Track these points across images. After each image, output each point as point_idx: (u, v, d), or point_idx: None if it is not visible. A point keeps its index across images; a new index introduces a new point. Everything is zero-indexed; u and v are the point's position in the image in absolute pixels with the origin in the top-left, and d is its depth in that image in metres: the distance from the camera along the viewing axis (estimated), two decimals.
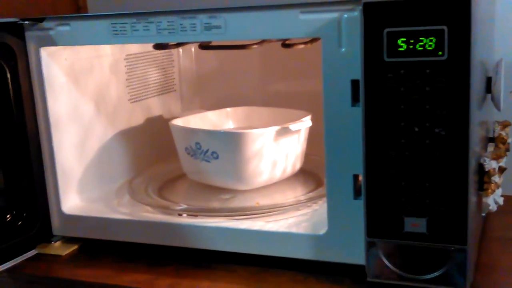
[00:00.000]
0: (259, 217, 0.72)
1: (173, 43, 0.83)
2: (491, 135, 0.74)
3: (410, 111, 0.56)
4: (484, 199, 0.65)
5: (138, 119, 0.94)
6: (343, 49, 0.60)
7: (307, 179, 0.85)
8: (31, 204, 0.77)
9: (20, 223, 0.76)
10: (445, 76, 0.54)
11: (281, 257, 0.68)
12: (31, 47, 0.75)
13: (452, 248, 0.58)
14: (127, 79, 0.91)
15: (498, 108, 0.66)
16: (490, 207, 0.65)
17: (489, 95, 0.66)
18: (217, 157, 0.78)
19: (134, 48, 0.92)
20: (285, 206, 0.74)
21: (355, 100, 0.60)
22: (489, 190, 0.62)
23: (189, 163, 0.83)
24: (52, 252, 0.77)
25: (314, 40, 0.76)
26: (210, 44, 0.83)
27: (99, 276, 0.71)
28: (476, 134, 0.57)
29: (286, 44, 0.79)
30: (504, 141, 0.70)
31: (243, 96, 1.02)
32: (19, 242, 0.75)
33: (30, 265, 0.75)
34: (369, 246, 0.61)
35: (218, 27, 0.65)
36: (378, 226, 0.60)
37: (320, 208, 0.73)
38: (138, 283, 0.68)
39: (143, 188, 0.85)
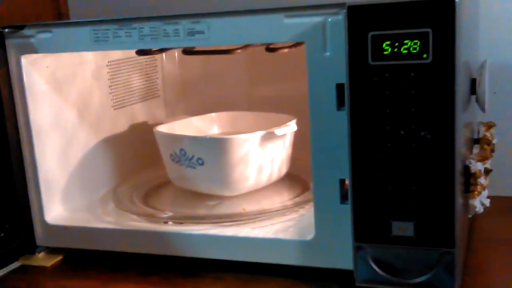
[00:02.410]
0: (246, 223, 0.72)
1: (156, 49, 0.82)
2: (476, 137, 0.74)
3: (395, 114, 0.56)
4: (470, 201, 0.65)
5: (122, 126, 0.93)
6: (327, 53, 0.60)
7: (293, 183, 0.85)
8: (14, 215, 0.75)
9: (2, 234, 0.75)
10: (430, 79, 0.54)
11: (269, 264, 0.67)
12: (11, 55, 0.74)
13: (440, 251, 0.57)
14: (110, 86, 0.90)
15: (483, 109, 0.66)
16: (477, 209, 0.65)
17: (473, 97, 0.66)
18: (202, 163, 0.78)
19: (116, 54, 0.91)
20: (272, 211, 0.74)
21: (340, 104, 0.60)
22: (476, 192, 0.62)
23: (174, 170, 0.82)
24: (36, 263, 0.76)
25: (298, 44, 0.75)
26: (194, 49, 0.83)
27: (85, 287, 0.70)
28: (461, 136, 0.57)
29: (270, 49, 0.78)
30: (489, 142, 0.70)
31: (228, 101, 1.01)
32: (2, 254, 0.74)
33: (14, 277, 0.73)
34: (357, 250, 0.61)
35: (201, 32, 0.64)
36: (365, 231, 0.60)
37: (307, 213, 0.73)
38: None
39: (128, 196, 0.84)
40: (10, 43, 0.73)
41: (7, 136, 0.74)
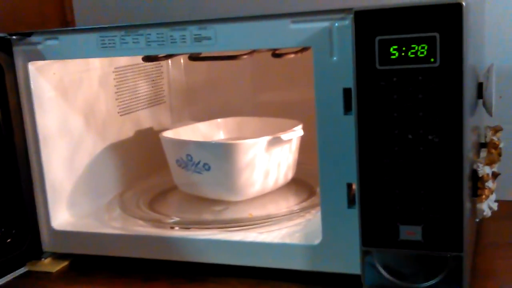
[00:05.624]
0: (252, 228, 0.72)
1: (162, 55, 0.82)
2: (483, 141, 0.74)
3: (403, 118, 0.56)
4: (478, 205, 0.65)
5: (128, 132, 0.93)
6: (334, 58, 0.60)
7: (299, 188, 0.85)
8: (21, 220, 0.76)
9: (9, 240, 0.75)
10: (438, 83, 0.54)
11: (276, 269, 0.67)
12: (19, 62, 0.74)
13: (448, 255, 0.57)
14: (116, 92, 0.90)
15: (490, 113, 0.66)
16: (485, 213, 0.65)
17: (480, 101, 0.66)
18: (208, 169, 0.78)
19: (123, 60, 0.91)
20: (279, 216, 0.74)
21: (347, 108, 0.60)
22: (483, 196, 0.62)
23: (180, 175, 0.82)
24: (43, 269, 0.76)
25: (304, 49, 0.75)
26: (200, 55, 0.83)
27: None
28: (469, 140, 0.57)
29: (276, 54, 0.79)
30: (496, 146, 0.70)
31: (234, 107, 1.02)
32: (8, 260, 0.74)
33: (20, 283, 0.73)
34: (365, 255, 0.61)
35: (208, 38, 0.65)
36: (373, 235, 0.60)
37: (314, 217, 0.73)
38: None
39: (134, 202, 0.84)
40: (17, 50, 0.74)
41: (14, 142, 0.74)
